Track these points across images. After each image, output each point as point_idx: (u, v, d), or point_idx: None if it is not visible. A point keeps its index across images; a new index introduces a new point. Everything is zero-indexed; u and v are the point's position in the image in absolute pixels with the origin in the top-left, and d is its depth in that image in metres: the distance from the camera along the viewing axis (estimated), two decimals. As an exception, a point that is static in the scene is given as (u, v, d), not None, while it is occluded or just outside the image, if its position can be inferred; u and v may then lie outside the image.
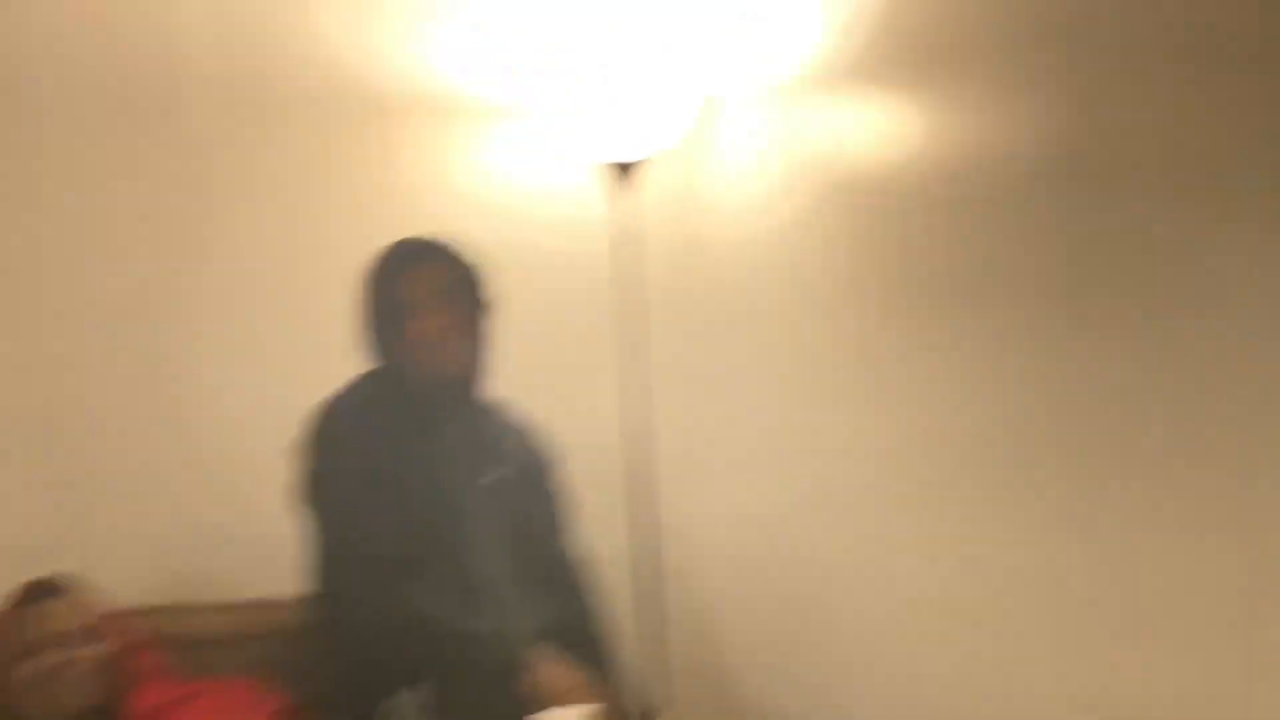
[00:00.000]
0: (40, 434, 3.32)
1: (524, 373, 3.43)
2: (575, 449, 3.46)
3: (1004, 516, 3.13)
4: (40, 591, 2.81)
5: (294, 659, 2.98)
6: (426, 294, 2.99)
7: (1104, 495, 2.96)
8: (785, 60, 3.54)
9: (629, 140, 3.44)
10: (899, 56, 3.29)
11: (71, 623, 2.78)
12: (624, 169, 3.48)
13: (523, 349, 3.42)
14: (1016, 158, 3.06)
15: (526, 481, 3.12)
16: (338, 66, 3.52)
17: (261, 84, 3.47)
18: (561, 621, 3.03)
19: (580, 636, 3.04)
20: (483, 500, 3.01)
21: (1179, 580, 2.87)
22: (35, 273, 3.35)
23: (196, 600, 3.26)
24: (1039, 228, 3.05)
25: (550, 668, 2.85)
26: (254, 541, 3.20)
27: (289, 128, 3.49)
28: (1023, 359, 3.09)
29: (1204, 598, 2.82)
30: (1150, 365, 2.88)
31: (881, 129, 3.36)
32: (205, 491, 3.35)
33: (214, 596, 3.27)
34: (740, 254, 3.64)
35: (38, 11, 3.36)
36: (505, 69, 3.61)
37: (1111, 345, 2.94)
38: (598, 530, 3.33)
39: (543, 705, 2.78)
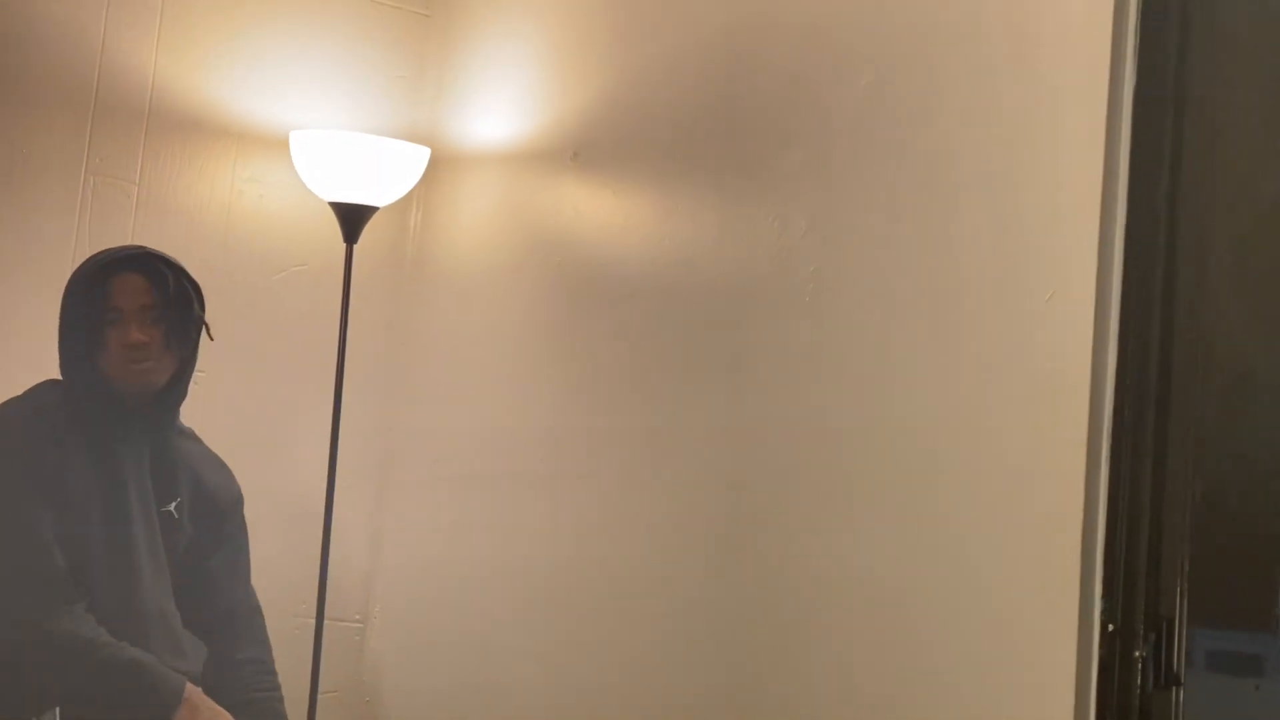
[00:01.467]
0: None
1: (240, 404, 3.42)
2: (277, 491, 3.46)
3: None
4: None
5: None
6: (131, 304, 2.88)
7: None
8: (512, 130, 3.60)
9: (358, 184, 3.46)
10: (622, 145, 3.38)
11: None
12: (353, 214, 3.47)
13: (242, 380, 3.43)
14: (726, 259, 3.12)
15: (209, 516, 3.02)
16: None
17: None
18: (223, 669, 2.93)
19: (242, 688, 2.94)
20: (158, 528, 2.91)
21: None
22: None
23: None
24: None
25: (204, 714, 2.75)
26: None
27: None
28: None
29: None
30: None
31: (597, 213, 3.43)
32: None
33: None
34: (451, 308, 3.70)
35: None
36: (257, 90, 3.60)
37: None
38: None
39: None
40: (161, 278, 2.91)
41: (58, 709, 2.77)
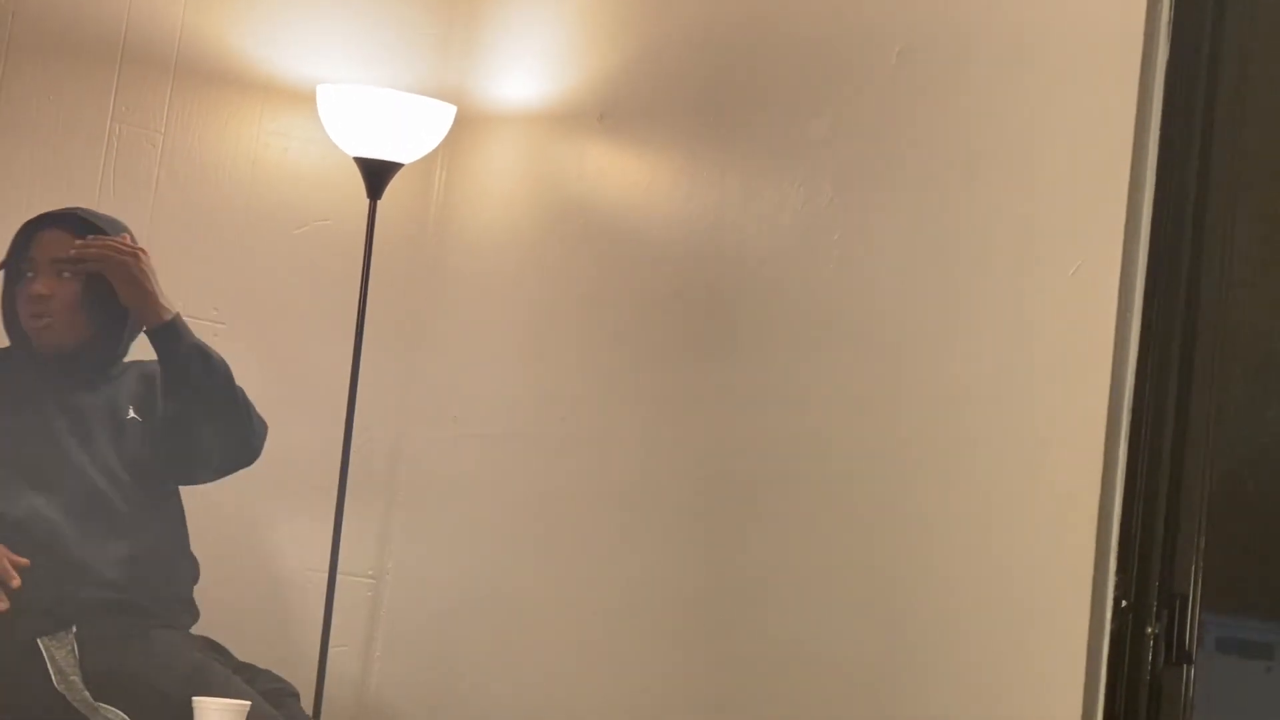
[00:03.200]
0: None
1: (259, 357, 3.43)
2: (293, 444, 3.47)
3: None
4: None
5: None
6: (43, 256, 2.89)
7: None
8: (539, 91, 3.59)
9: (383, 140, 3.45)
10: (649, 109, 3.36)
11: None
12: (377, 170, 3.46)
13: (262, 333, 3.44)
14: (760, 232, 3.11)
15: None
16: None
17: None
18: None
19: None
20: (102, 479, 2.92)
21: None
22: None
23: None
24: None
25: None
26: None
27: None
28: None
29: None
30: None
31: (622, 175, 3.42)
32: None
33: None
34: (473, 267, 3.69)
35: None
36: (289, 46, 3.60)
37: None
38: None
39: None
40: (74, 233, 2.90)
41: (74, 627, 2.83)
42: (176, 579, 3.02)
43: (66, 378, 2.95)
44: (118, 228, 2.97)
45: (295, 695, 3.02)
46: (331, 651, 3.47)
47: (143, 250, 2.92)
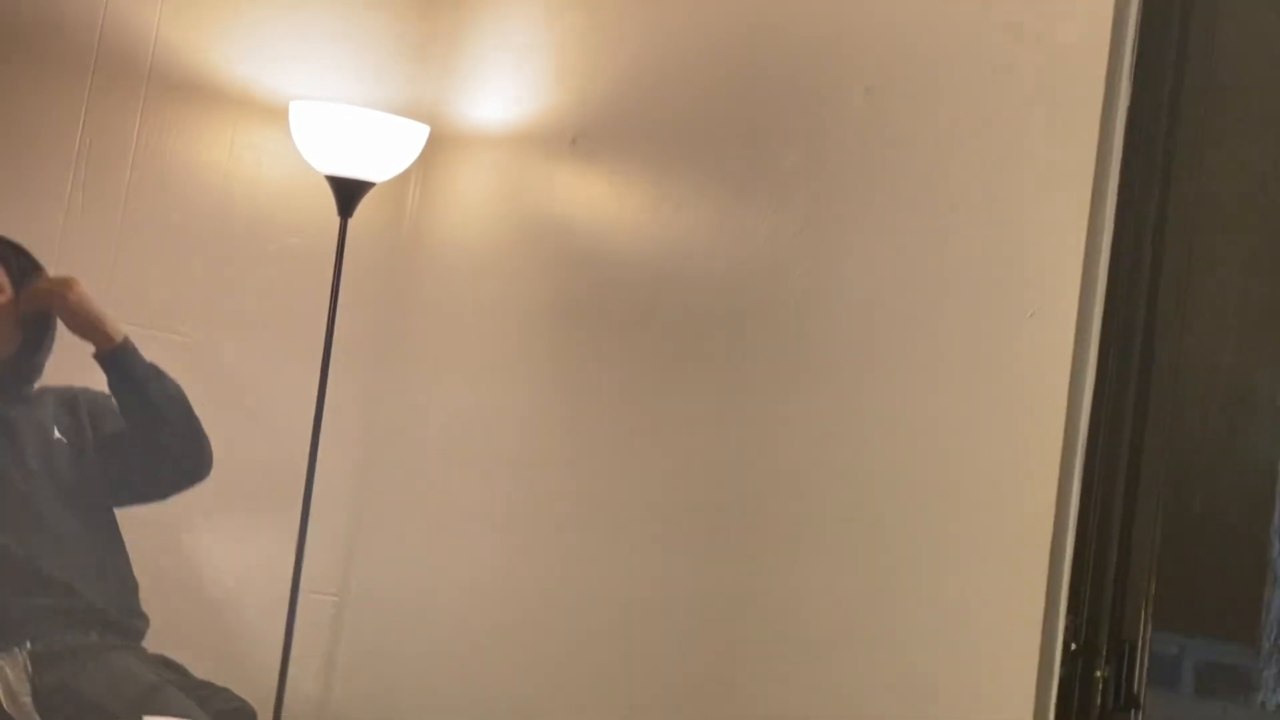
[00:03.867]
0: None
1: (226, 371, 3.43)
2: (258, 461, 3.46)
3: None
4: None
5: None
6: None
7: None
8: (513, 113, 3.59)
9: (356, 158, 3.44)
10: (621, 134, 3.37)
11: None
12: (349, 188, 3.45)
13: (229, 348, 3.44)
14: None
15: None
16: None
17: None
18: None
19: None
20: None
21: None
22: None
23: None
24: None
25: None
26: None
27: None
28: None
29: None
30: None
31: (593, 200, 3.43)
32: None
33: None
34: (443, 289, 3.69)
35: None
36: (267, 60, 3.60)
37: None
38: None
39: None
40: (6, 258, 3.02)
41: (29, 643, 2.84)
42: (121, 589, 3.02)
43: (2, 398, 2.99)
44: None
45: (252, 715, 3.02)
46: (292, 670, 3.46)
47: (75, 280, 3.04)
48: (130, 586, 3.06)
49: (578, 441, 3.32)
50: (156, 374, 3.06)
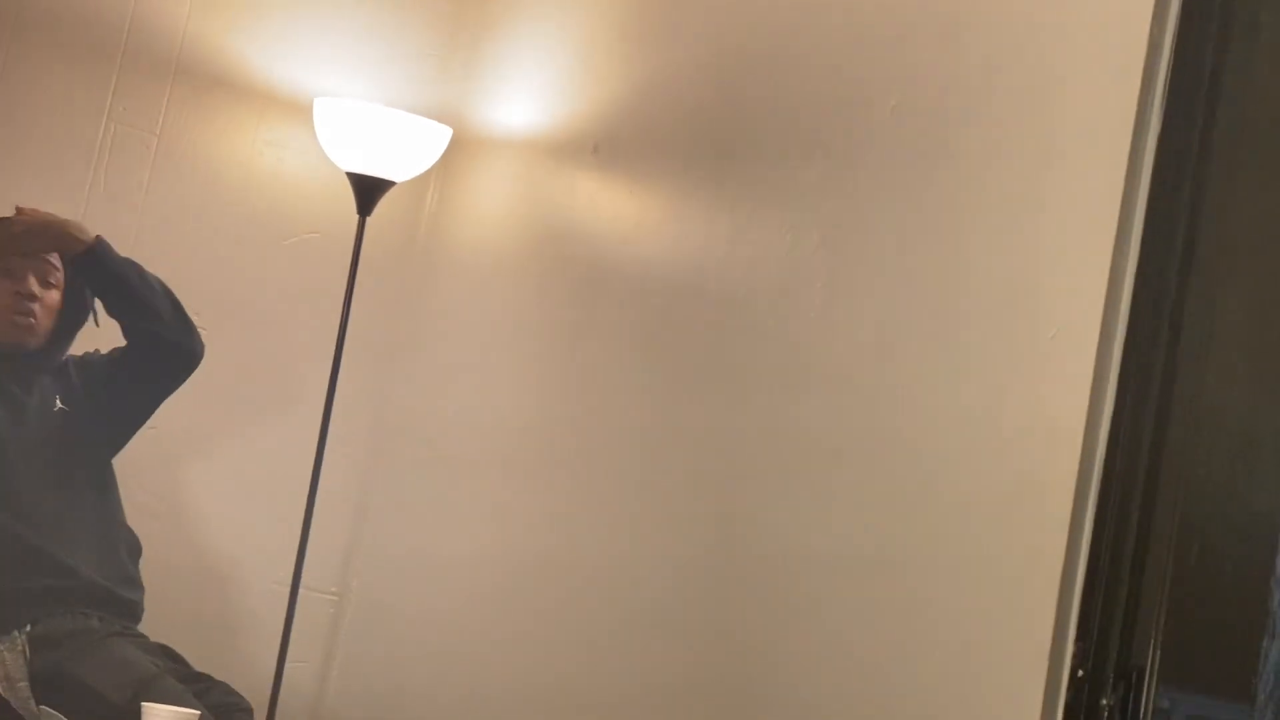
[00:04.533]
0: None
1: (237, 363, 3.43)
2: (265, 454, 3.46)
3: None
4: None
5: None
6: (31, 264, 2.99)
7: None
8: (536, 119, 3.58)
9: (377, 157, 3.44)
10: (643, 144, 3.37)
11: None
12: (369, 186, 3.45)
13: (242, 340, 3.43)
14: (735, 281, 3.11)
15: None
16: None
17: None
18: None
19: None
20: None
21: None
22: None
23: None
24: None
25: None
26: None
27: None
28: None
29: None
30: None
31: (612, 208, 3.42)
32: None
33: None
34: (458, 291, 3.68)
35: None
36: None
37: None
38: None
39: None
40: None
41: (29, 626, 2.83)
42: (119, 558, 3.02)
43: (9, 373, 2.99)
44: None
45: (248, 711, 3.01)
46: (288, 667, 3.44)
47: (19, 207, 3.03)
48: (133, 549, 3.06)
49: (586, 448, 3.31)
50: (136, 267, 3.06)
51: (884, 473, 2.70)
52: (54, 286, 3.02)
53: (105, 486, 3.08)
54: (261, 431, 3.59)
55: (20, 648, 2.88)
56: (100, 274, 3.02)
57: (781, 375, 2.95)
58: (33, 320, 2.98)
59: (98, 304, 3.08)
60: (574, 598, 3.25)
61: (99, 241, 3.02)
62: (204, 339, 3.39)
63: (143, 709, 2.66)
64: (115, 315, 3.05)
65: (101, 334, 3.14)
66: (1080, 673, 2.33)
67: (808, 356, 2.90)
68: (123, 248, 3.43)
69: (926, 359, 2.68)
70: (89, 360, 3.12)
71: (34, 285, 2.99)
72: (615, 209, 3.43)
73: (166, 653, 3.01)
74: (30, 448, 2.97)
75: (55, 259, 3.02)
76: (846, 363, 2.83)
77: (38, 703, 2.83)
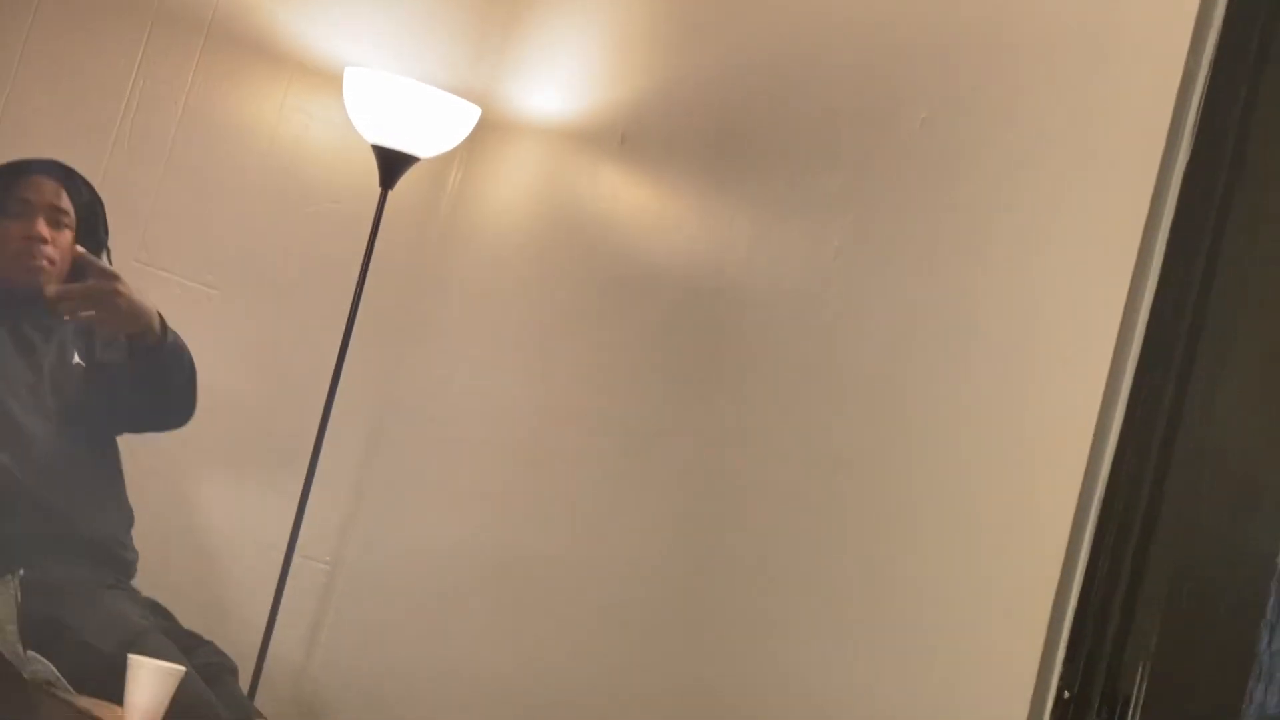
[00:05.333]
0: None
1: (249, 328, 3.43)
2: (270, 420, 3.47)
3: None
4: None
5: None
6: (41, 200, 2.94)
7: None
8: (565, 105, 3.59)
9: (404, 131, 3.44)
10: (670, 138, 3.37)
11: None
12: (394, 160, 3.45)
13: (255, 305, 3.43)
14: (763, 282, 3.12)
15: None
16: None
17: None
18: None
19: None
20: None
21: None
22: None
23: None
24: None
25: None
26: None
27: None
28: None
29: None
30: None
31: (634, 201, 3.42)
32: None
33: None
34: (475, 273, 3.69)
35: None
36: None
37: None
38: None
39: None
40: (78, 191, 3.00)
41: (22, 571, 2.84)
42: (114, 521, 3.02)
43: (27, 318, 2.97)
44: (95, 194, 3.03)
45: (234, 671, 3.02)
46: (276, 633, 3.46)
47: (116, 275, 2.87)
48: (126, 518, 3.06)
49: (590, 440, 3.32)
50: (178, 357, 2.97)
51: (885, 485, 2.70)
52: (66, 227, 2.98)
53: (108, 454, 3.09)
54: (268, 396, 3.59)
55: (12, 592, 2.88)
56: (151, 362, 2.93)
57: (789, 378, 2.95)
58: (44, 263, 2.97)
59: (110, 243, 3.06)
60: (564, 590, 3.25)
61: (166, 335, 2.92)
62: (217, 301, 3.42)
63: (129, 661, 2.66)
64: (133, 380, 2.95)
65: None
66: (1067, 694, 2.33)
67: (817, 361, 2.90)
68: (142, 201, 3.46)
69: (934, 378, 2.68)
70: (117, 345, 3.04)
71: (43, 228, 2.97)
72: (638, 202, 3.43)
73: (156, 609, 3.02)
74: (41, 395, 2.97)
75: (65, 202, 3.00)
76: (855, 372, 2.84)
77: (25, 648, 2.83)
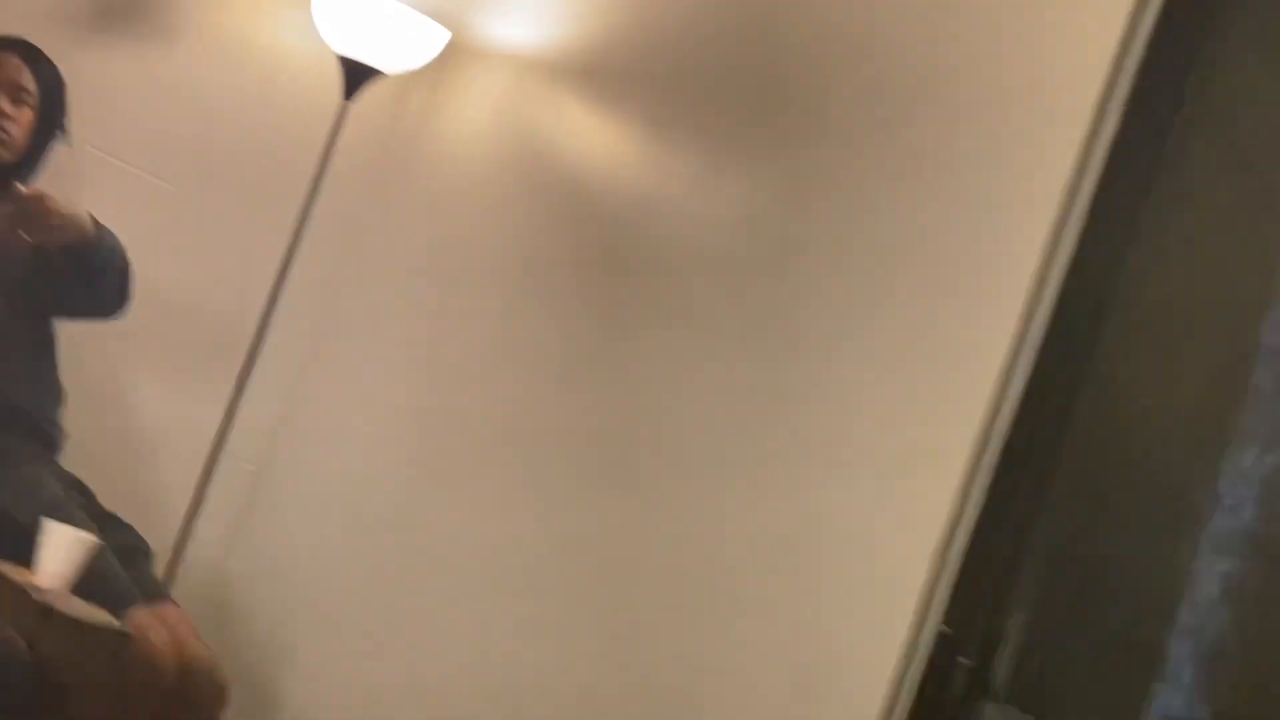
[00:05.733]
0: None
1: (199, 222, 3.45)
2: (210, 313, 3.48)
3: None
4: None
5: None
6: (4, 77, 3.03)
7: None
8: (533, 35, 3.62)
9: (371, 45, 3.47)
10: (633, 78, 3.41)
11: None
12: (359, 72, 3.48)
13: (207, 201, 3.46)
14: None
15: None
16: None
17: None
18: None
19: None
20: None
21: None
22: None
23: None
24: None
25: None
26: None
27: None
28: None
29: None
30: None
31: (589, 135, 3.46)
32: None
33: None
34: (428, 196, 3.70)
35: None
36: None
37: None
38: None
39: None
40: (43, 71, 3.09)
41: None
42: (44, 396, 3.05)
43: None
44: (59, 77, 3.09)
45: (148, 554, 3.05)
46: (197, 528, 3.48)
47: (42, 193, 2.93)
48: (56, 395, 3.09)
49: (532, 362, 3.35)
50: (111, 256, 3.06)
51: (804, 418, 2.77)
52: (26, 105, 3.05)
53: (43, 332, 3.11)
54: (210, 292, 3.61)
55: None
56: (80, 262, 3.01)
57: (720, 323, 3.01)
58: (4, 136, 3.02)
59: (69, 127, 3.11)
60: (494, 519, 3.29)
61: (97, 232, 3.00)
62: (168, 196, 3.44)
63: (43, 525, 2.70)
64: (66, 273, 3.03)
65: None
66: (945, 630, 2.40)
67: (745, 309, 2.96)
68: (103, 89, 3.47)
69: (861, 317, 2.75)
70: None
71: (5, 104, 3.02)
72: (595, 137, 3.47)
73: (79, 487, 3.04)
74: None
75: (29, 80, 3.04)
76: (781, 322, 2.90)
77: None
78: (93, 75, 3.46)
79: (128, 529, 3.04)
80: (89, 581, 2.75)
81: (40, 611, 2.61)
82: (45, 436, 3.05)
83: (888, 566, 2.48)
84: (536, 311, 3.39)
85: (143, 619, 2.76)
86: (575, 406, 3.23)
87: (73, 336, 3.19)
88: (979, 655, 2.34)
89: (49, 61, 3.11)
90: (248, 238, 3.67)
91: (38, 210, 2.89)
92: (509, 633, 3.18)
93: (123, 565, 2.94)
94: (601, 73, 3.46)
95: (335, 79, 3.51)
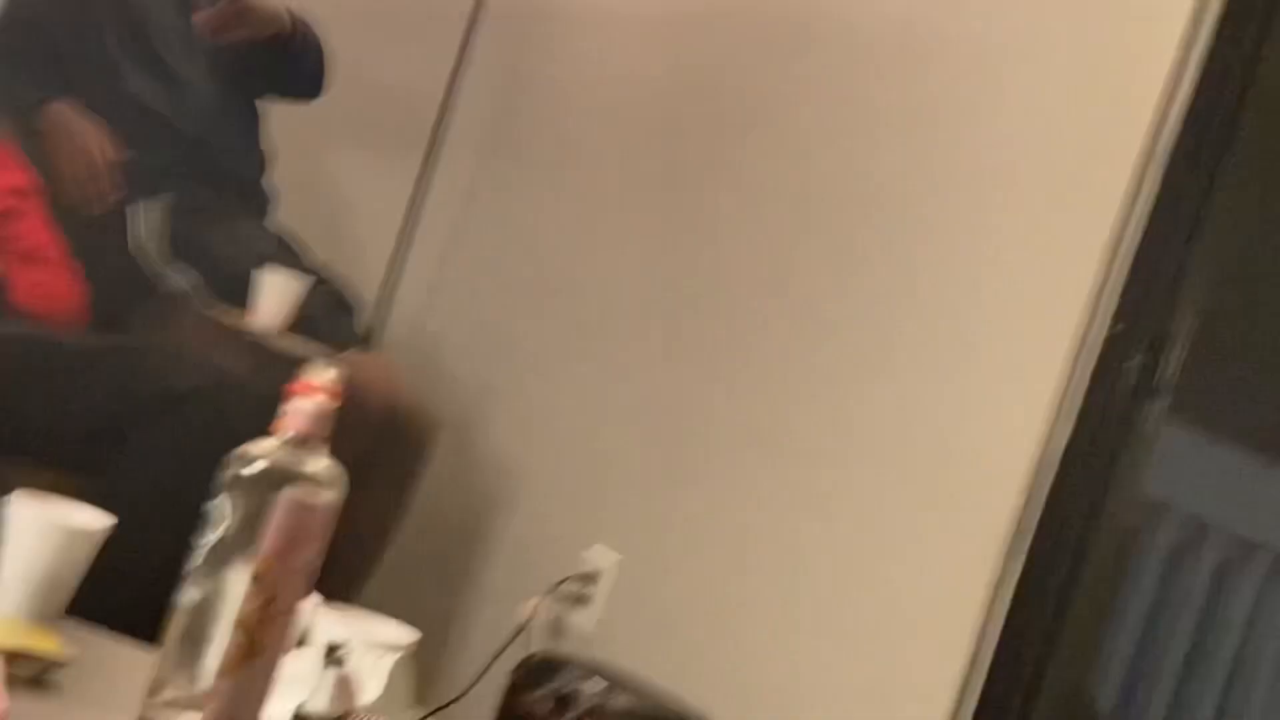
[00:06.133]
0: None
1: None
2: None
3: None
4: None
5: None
6: None
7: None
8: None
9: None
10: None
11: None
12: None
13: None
14: None
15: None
16: None
17: None
18: None
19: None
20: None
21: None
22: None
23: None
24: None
25: None
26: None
27: None
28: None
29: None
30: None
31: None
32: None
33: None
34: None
35: None
36: None
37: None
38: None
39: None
40: None
41: (170, 195, 3.05)
42: (254, 162, 3.24)
43: None
44: None
45: (350, 311, 3.20)
46: (399, 290, 3.66)
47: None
48: (264, 161, 3.25)
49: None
50: (308, 45, 3.24)
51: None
52: None
53: (253, 111, 3.27)
54: (398, 60, 3.68)
55: (157, 214, 3.06)
56: (287, 51, 3.20)
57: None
58: None
59: None
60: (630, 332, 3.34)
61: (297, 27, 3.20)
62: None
63: (259, 273, 2.88)
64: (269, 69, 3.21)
65: None
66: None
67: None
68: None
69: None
70: None
71: None
72: None
73: (287, 244, 3.21)
74: (193, 48, 3.13)
75: None
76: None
77: (167, 262, 3.04)
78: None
79: (333, 283, 3.20)
80: (301, 324, 2.94)
81: (257, 349, 2.81)
82: (257, 197, 3.22)
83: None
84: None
85: (353, 359, 2.92)
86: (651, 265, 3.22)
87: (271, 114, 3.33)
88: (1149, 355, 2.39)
89: None
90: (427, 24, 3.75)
91: (241, 8, 3.07)
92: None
93: (332, 315, 3.11)
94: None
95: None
